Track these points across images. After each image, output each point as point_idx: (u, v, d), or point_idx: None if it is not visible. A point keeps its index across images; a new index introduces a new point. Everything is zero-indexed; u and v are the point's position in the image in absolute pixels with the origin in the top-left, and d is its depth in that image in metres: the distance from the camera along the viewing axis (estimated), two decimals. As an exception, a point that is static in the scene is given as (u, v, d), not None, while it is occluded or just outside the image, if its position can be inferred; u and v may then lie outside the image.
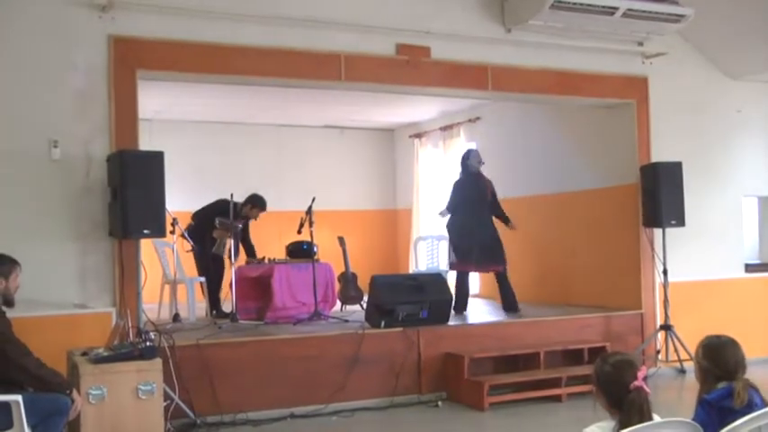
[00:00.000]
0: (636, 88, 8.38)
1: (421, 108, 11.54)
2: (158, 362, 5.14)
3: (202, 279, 8.72)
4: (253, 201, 8.78)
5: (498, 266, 8.50)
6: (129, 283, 5.95)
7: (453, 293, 8.33)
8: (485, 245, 8.42)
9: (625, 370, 2.95)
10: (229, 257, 8.12)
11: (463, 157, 8.81)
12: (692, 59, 8.73)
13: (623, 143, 8.49)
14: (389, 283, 7.35)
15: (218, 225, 8.36)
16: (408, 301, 7.14)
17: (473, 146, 10.57)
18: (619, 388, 2.93)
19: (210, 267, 8.65)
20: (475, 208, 8.52)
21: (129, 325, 5.62)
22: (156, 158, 5.87)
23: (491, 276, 8.78)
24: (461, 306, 8.47)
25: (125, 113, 6.17)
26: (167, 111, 10.85)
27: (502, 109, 10.40)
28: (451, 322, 7.42)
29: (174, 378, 5.88)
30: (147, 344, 5.12)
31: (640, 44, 8.29)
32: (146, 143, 6.58)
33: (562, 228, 9.48)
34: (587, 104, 8.64)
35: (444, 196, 9.05)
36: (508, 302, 8.50)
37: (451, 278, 8.67)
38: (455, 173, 9.48)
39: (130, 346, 5.09)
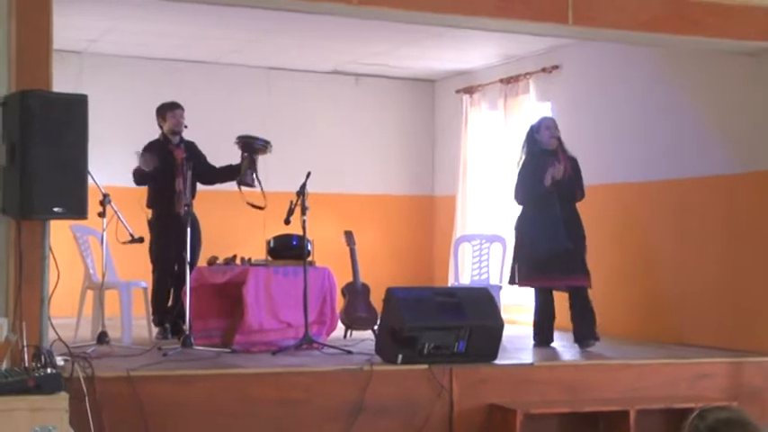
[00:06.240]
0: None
1: (474, 50, 11.53)
2: (63, 397, 5.21)
3: (144, 284, 8.89)
4: (157, 112, 9.13)
5: (581, 279, 8.61)
6: (30, 284, 6.01)
7: (534, 319, 8.93)
8: (562, 250, 8.53)
9: (732, 435, 2.89)
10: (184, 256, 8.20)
11: (530, 130, 8.91)
12: None
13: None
14: (412, 298, 7.37)
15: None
16: (438, 326, 7.15)
17: (545, 110, 10.60)
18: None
19: (161, 261, 8.90)
20: (549, 200, 8.62)
21: (25, 343, 5.67)
22: (77, 104, 5.98)
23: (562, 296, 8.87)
24: (546, 338, 8.85)
25: (32, 37, 6.21)
26: (104, 40, 10.95)
27: (590, 54, 10.40)
28: (501, 360, 7.43)
29: (92, 424, 5.88)
30: (49, 371, 5.17)
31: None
32: (71, 84, 6.70)
33: (676, 232, 9.45)
34: (717, 49, 8.62)
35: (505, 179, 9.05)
36: (586, 329, 8.57)
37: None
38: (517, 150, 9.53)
39: (22, 374, 5.17)
